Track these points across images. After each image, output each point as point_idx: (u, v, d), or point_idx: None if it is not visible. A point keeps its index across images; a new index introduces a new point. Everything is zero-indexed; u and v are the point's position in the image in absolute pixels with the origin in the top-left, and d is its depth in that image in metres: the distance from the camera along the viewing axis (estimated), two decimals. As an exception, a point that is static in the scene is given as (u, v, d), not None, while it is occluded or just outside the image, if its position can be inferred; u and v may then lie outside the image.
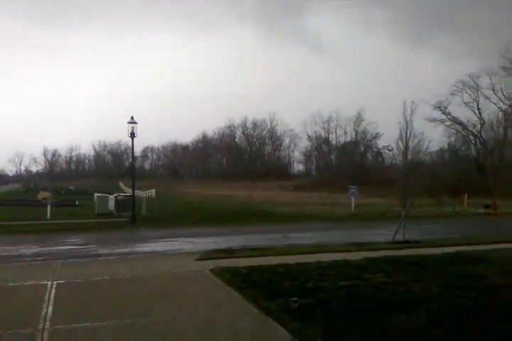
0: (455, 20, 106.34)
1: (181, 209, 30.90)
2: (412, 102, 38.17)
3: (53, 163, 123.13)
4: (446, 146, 63.45)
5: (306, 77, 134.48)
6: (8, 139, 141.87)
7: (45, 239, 15.78)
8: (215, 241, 15.04)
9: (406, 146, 36.14)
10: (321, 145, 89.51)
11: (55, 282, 7.96)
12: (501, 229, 19.10)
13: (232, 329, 5.40)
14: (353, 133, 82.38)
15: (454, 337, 4.85)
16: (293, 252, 11.16)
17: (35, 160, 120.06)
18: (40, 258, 11.42)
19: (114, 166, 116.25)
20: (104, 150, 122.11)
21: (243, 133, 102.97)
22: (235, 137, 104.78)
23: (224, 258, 10.21)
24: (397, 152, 58.36)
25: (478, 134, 55.36)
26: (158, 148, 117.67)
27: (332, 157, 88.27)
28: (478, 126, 55.11)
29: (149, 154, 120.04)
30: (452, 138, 62.03)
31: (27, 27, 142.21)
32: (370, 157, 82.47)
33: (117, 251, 12.86)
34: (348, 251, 11.29)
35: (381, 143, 77.53)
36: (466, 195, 33.60)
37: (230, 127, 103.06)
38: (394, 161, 68.46)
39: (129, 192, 35.74)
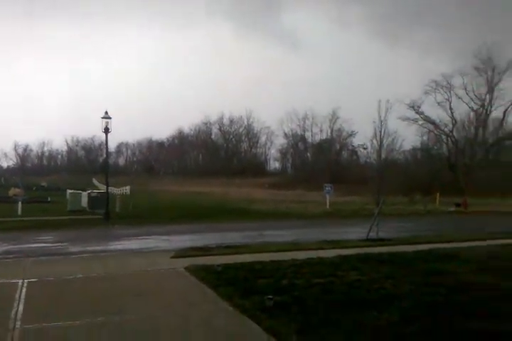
0: (431, 19, 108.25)
1: (156, 206, 30.66)
2: (387, 101, 38.72)
3: (24, 159, 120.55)
4: (419, 145, 64.70)
5: (283, 74, 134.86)
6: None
7: (15, 237, 15.44)
8: (190, 238, 14.98)
9: (380, 145, 36.70)
10: (297, 143, 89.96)
11: (26, 280, 7.79)
12: (471, 227, 19.59)
13: (206, 327, 5.39)
14: (329, 131, 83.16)
15: (425, 334, 4.95)
16: (268, 250, 11.21)
17: (5, 155, 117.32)
18: (10, 256, 11.16)
19: (87, 162, 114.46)
20: (77, 145, 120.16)
21: (219, 129, 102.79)
22: (211, 134, 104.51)
23: (199, 256, 10.19)
24: (372, 150, 59.20)
25: (450, 134, 56.56)
26: (133, 144, 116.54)
27: (308, 155, 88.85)
28: (450, 125, 56.32)
29: (124, 150, 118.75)
30: (425, 137, 63.30)
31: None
32: (345, 155, 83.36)
33: (90, 248, 12.67)
34: (322, 248, 11.40)
35: (356, 141, 78.52)
36: (438, 194, 34.33)
37: (206, 124, 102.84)
38: (368, 160, 69.40)
39: (102, 188, 35.25)
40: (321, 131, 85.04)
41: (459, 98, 55.61)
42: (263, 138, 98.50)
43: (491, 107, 56.11)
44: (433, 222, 23.35)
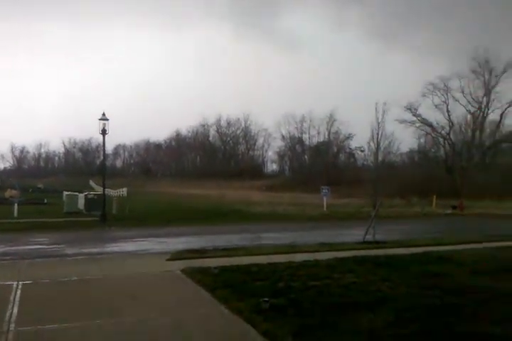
0: (428, 22, 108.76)
1: (153, 208, 30.61)
2: (384, 103, 38.83)
3: (21, 160, 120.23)
4: (416, 148, 64.97)
5: (281, 76, 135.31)
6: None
7: (11, 238, 15.36)
8: (187, 241, 14.95)
9: (377, 147, 36.72)
10: (294, 146, 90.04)
11: (21, 282, 7.75)
12: (467, 229, 19.63)
13: (202, 330, 5.38)
14: (326, 134, 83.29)
15: (420, 336, 4.95)
16: (265, 252, 11.20)
17: (2, 156, 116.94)
18: (6, 258, 11.11)
19: (84, 164, 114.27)
20: (74, 147, 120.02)
21: (217, 131, 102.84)
22: (208, 136, 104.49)
23: (196, 259, 10.17)
24: (369, 153, 59.40)
25: (447, 136, 56.79)
26: (130, 146, 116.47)
27: (305, 157, 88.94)
28: (447, 128, 56.60)
29: (121, 152, 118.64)
30: (422, 140, 63.64)
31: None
32: (342, 157, 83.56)
33: (86, 250, 12.64)
34: (318, 251, 11.39)
35: (354, 143, 78.75)
36: (434, 196, 34.39)
37: (204, 125, 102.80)
38: (366, 162, 69.61)
39: (99, 190, 35.18)
40: (318, 133, 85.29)
41: (456, 100, 55.98)
42: (260, 141, 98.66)
43: (488, 110, 56.49)
44: (430, 224, 23.38)
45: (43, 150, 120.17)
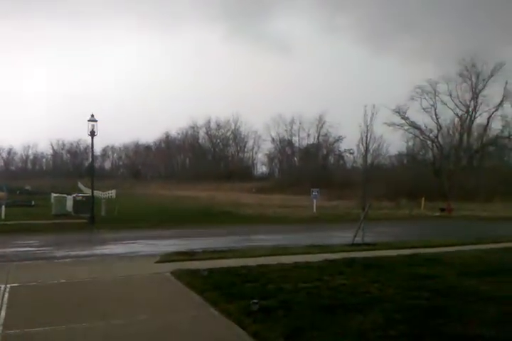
0: (417, 26, 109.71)
1: (142, 210, 30.47)
2: (373, 106, 39.07)
3: (9, 162, 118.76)
4: (404, 150, 65.43)
5: (271, 78, 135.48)
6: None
7: (-2, 241, 15.21)
8: (176, 243, 14.91)
9: (366, 150, 36.89)
10: (284, 148, 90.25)
11: (8, 285, 7.67)
12: (455, 231, 19.83)
13: (192, 333, 5.37)
14: (316, 136, 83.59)
15: (409, 337, 5.00)
16: (255, 254, 11.21)
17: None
18: (-7, 261, 10.99)
19: (72, 166, 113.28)
20: (62, 149, 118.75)
21: (207, 133, 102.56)
22: (198, 138, 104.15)
23: (185, 261, 10.15)
24: (358, 155, 59.73)
25: (435, 139, 57.30)
26: (119, 148, 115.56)
27: (295, 159, 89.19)
28: (436, 131, 57.12)
29: (110, 153, 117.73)
30: (410, 143, 64.09)
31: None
32: (332, 160, 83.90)
33: (75, 253, 12.55)
34: (308, 253, 11.43)
35: (343, 146, 79.16)
36: (423, 198, 34.72)
37: (193, 127, 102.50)
38: (355, 164, 69.97)
39: (88, 192, 34.93)
40: (308, 135, 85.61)
41: (444, 104, 56.59)
42: (250, 143, 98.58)
43: (476, 113, 57.16)
44: (418, 226, 23.58)
45: (30, 151, 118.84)
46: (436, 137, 57.05)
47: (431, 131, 56.96)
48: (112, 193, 52.78)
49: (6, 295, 7.02)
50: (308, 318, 5.55)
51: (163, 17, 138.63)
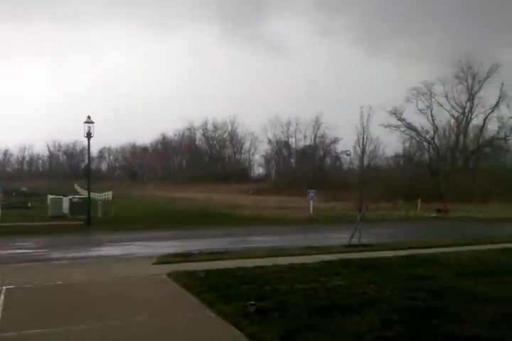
0: (412, 28, 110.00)
1: (139, 212, 30.42)
2: (370, 108, 39.14)
3: (5, 163, 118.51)
4: (401, 152, 65.55)
5: (267, 79, 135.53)
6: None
7: (-6, 243, 15.15)
8: (173, 244, 14.89)
9: (363, 151, 37.02)
10: (281, 149, 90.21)
11: (4, 287, 7.65)
12: (452, 232, 19.89)
13: (189, 334, 5.37)
14: (313, 138, 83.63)
15: (405, 338, 5.00)
16: (251, 256, 11.20)
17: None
18: (-11, 263, 10.95)
19: (69, 167, 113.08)
20: (58, 150, 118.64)
21: (203, 135, 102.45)
22: (195, 139, 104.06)
23: (182, 262, 10.13)
24: (355, 157, 59.83)
25: (432, 141, 57.44)
26: (116, 149, 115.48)
27: (292, 161, 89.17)
28: (432, 132, 57.23)
29: (106, 155, 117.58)
30: (407, 144, 64.18)
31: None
32: (329, 161, 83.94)
33: (71, 255, 12.52)
34: (305, 254, 11.44)
35: (340, 147, 79.15)
36: (419, 200, 34.77)
37: (190, 129, 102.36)
38: (352, 166, 69.98)
39: (84, 194, 34.82)
40: (304, 137, 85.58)
41: (440, 105, 56.73)
42: (247, 144, 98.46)
43: (472, 115, 57.36)
44: (414, 227, 23.62)
45: (26, 153, 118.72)
46: (433, 138, 57.23)
47: (427, 132, 57.16)
48: (108, 195, 52.66)
49: (2, 297, 7.00)
50: (304, 319, 5.55)
51: (160, 19, 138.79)
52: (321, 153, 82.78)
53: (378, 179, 45.91)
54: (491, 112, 55.74)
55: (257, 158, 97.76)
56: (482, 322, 5.53)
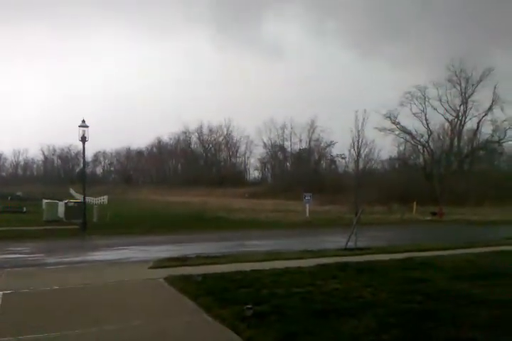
0: (406, 32, 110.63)
1: (135, 216, 30.34)
2: (364, 111, 39.26)
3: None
4: (396, 155, 65.80)
5: (262, 83, 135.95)
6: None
7: (-11, 248, 15.07)
8: (168, 249, 14.87)
9: (358, 154, 37.03)
10: (276, 153, 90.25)
11: (1, 292, 7.62)
12: (447, 235, 19.96)
13: (186, 338, 5.37)
14: (308, 141, 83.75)
15: (402, 341, 5.04)
16: (248, 259, 11.22)
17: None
18: (-16, 268, 10.89)
19: (64, 171, 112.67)
20: (53, 154, 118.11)
21: (199, 138, 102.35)
22: (190, 143, 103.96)
23: (178, 266, 10.13)
24: (350, 160, 59.99)
25: (426, 144, 57.73)
26: (110, 153, 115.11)
27: (287, 164, 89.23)
28: (426, 136, 57.54)
29: (101, 159, 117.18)
30: (402, 148, 64.48)
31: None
32: (324, 165, 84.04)
33: (67, 259, 12.47)
34: (301, 258, 11.46)
35: (335, 150, 79.45)
36: (415, 203, 34.88)
37: (185, 133, 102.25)
38: (347, 169, 70.18)
39: (79, 198, 34.72)
40: (300, 140, 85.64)
41: (434, 109, 57.09)
42: (242, 148, 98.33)
43: (465, 118, 57.71)
44: (410, 230, 23.69)
45: (21, 157, 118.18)
46: (427, 142, 57.53)
47: (421, 135, 57.46)
48: (103, 199, 52.50)
49: (-2, 302, 6.98)
50: (301, 323, 5.57)
51: (155, 23, 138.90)
52: (317, 157, 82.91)
53: (373, 182, 46.00)
54: (484, 115, 56.21)
55: (253, 161, 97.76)
56: (477, 324, 5.56)
